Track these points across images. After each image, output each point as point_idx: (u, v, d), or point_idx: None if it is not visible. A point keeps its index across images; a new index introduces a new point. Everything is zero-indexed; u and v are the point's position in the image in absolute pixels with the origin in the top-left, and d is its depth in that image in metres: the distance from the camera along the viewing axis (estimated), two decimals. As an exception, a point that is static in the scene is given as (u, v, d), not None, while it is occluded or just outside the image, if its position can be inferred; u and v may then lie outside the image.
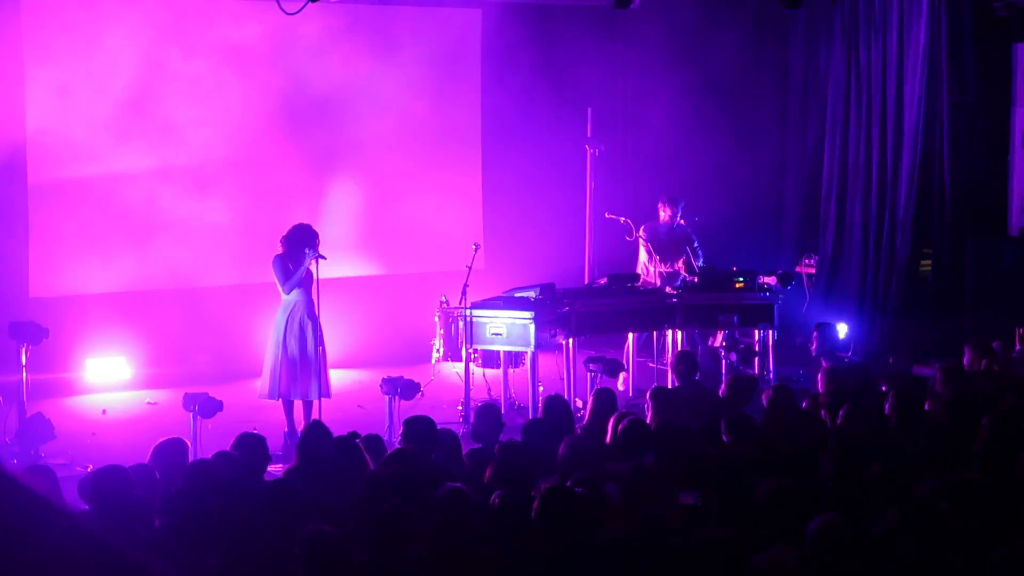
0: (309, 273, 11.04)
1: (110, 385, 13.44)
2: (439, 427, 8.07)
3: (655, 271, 13.49)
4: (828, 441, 7.70)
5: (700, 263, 13.40)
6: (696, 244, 13.57)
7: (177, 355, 13.87)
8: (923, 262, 15.19)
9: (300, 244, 11.03)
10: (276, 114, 14.37)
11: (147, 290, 13.96)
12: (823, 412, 9.11)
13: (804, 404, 9.25)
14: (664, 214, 13.60)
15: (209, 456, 7.86)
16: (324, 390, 11.08)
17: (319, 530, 5.75)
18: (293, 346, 11.00)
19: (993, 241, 14.38)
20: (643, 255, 13.65)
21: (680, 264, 13.32)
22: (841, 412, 8.49)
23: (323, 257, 11.02)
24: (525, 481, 6.85)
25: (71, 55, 13.40)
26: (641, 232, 13.66)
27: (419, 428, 7.93)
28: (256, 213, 14.27)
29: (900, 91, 14.79)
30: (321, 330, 11.15)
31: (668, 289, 13.11)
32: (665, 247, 13.51)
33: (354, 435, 7.91)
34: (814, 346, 11.74)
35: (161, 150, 13.88)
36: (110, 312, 13.61)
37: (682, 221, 13.65)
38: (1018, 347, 11.08)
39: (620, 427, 8.05)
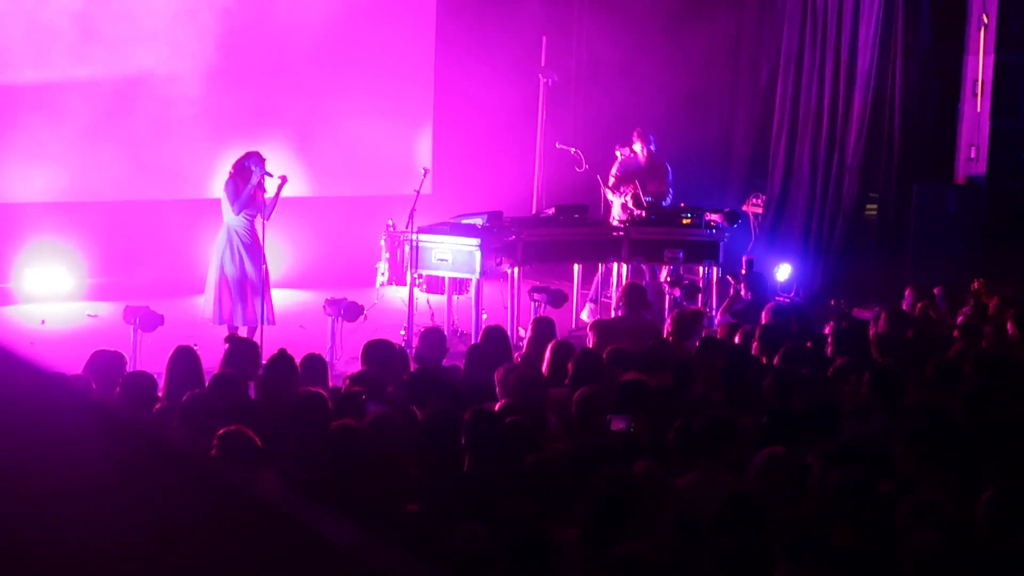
0: (255, 195, 10.93)
1: (50, 296, 13.33)
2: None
3: (616, 201, 13.44)
4: (765, 378, 7.75)
5: (670, 195, 13.44)
6: (669, 171, 13.59)
7: (119, 268, 13.76)
8: (869, 206, 15.28)
9: (246, 163, 10.94)
10: (222, 27, 14.19)
11: (90, 201, 13.81)
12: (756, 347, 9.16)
13: (738, 340, 9.27)
14: (638, 147, 13.55)
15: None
16: (268, 316, 11.00)
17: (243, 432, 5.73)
18: (238, 270, 10.92)
19: (939, 187, 14.48)
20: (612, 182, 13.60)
21: (629, 197, 13.31)
22: (780, 351, 8.56)
23: (269, 174, 10.92)
24: (459, 405, 6.86)
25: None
26: (618, 159, 13.60)
27: (376, 351, 7.96)
28: (202, 129, 14.13)
29: (855, 32, 14.79)
30: (263, 253, 11.05)
31: (615, 222, 13.12)
32: (639, 176, 13.44)
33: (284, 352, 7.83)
34: (742, 288, 11.82)
35: (105, 59, 13.69)
36: (51, 221, 13.46)
37: (653, 148, 13.60)
38: (971, 301, 11.13)
39: (555, 355, 8.10)
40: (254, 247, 10.97)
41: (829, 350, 9.02)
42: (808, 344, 9.19)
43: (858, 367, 8.18)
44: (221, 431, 5.73)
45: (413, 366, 8.54)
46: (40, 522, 1.71)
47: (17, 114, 13.34)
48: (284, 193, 11.10)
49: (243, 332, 11.07)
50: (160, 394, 7.35)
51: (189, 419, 6.44)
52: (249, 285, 10.94)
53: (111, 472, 1.79)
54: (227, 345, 9.40)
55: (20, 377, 2.00)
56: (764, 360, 8.61)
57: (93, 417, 1.98)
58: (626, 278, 12.80)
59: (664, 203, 13.40)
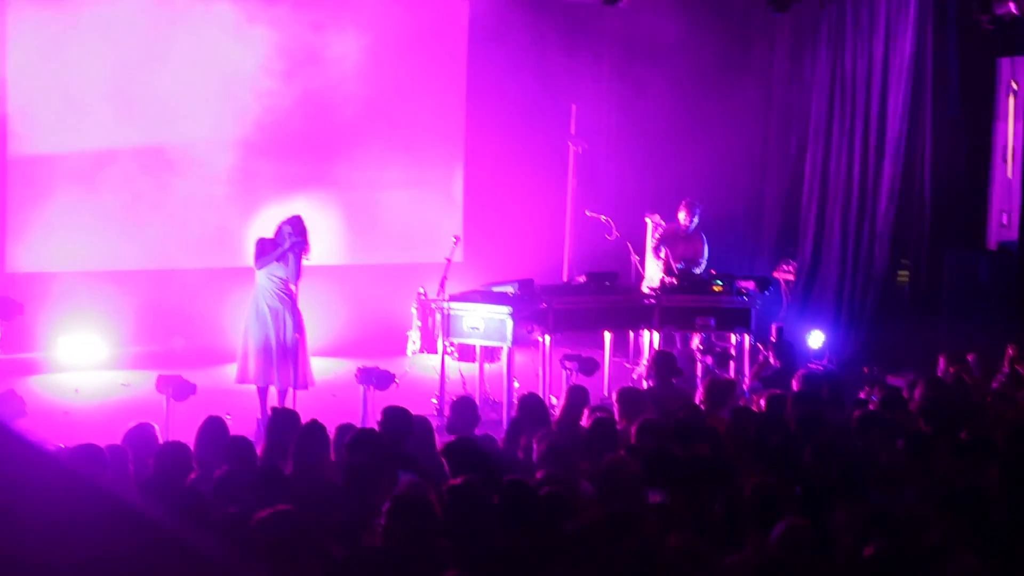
0: (286, 258, 11.01)
1: (83, 365, 13.39)
2: (414, 415, 8.08)
3: (652, 266, 13.52)
4: (797, 447, 7.70)
5: (703, 264, 13.46)
6: (705, 243, 13.63)
7: (152, 336, 13.83)
8: (900, 272, 15.23)
9: (283, 228, 11.05)
10: (257, 99, 14.31)
11: (124, 270, 13.91)
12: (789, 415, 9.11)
13: (769, 407, 9.21)
14: (683, 216, 13.60)
15: (180, 439, 7.85)
16: (300, 381, 11.04)
17: (282, 512, 5.71)
18: (262, 331, 10.98)
19: (970, 253, 14.44)
20: (649, 244, 13.69)
21: (661, 265, 13.34)
22: (808, 417, 8.51)
23: (300, 243, 10.99)
24: (492, 475, 6.84)
25: (54, 29, 13.33)
26: (660, 224, 13.69)
27: (395, 417, 7.94)
28: (234, 197, 14.25)
29: (884, 101, 14.81)
30: (300, 318, 11.13)
31: (647, 289, 13.13)
32: (679, 245, 13.50)
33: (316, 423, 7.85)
34: (771, 355, 11.74)
35: (141, 130, 13.82)
36: (86, 291, 13.55)
37: (696, 220, 13.68)
38: (1006, 368, 11.07)
39: (590, 424, 8.08)
40: (284, 310, 11.02)
41: (863, 416, 8.97)
42: (842, 411, 9.15)
43: (892, 434, 8.13)
44: (263, 514, 5.68)
45: (440, 435, 8.52)
46: None
47: (53, 184, 13.46)
48: (316, 261, 11.16)
49: (273, 394, 11.11)
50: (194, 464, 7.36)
51: (223, 494, 6.46)
52: (278, 347, 10.98)
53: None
54: (263, 415, 9.49)
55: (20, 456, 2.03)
56: (795, 428, 8.56)
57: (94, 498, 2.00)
58: (658, 345, 12.78)
59: (697, 270, 13.41)
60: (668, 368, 10.49)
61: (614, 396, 9.75)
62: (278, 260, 11.02)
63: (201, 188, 14.08)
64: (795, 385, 9.91)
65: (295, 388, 10.97)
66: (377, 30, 14.81)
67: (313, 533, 5.72)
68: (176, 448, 7.41)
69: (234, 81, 14.15)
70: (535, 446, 7.45)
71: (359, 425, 9.63)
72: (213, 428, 7.80)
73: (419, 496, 6.17)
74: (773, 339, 12.47)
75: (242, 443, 7.40)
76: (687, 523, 6.33)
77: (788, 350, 11.97)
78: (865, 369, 13.83)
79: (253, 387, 11.18)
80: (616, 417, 9.27)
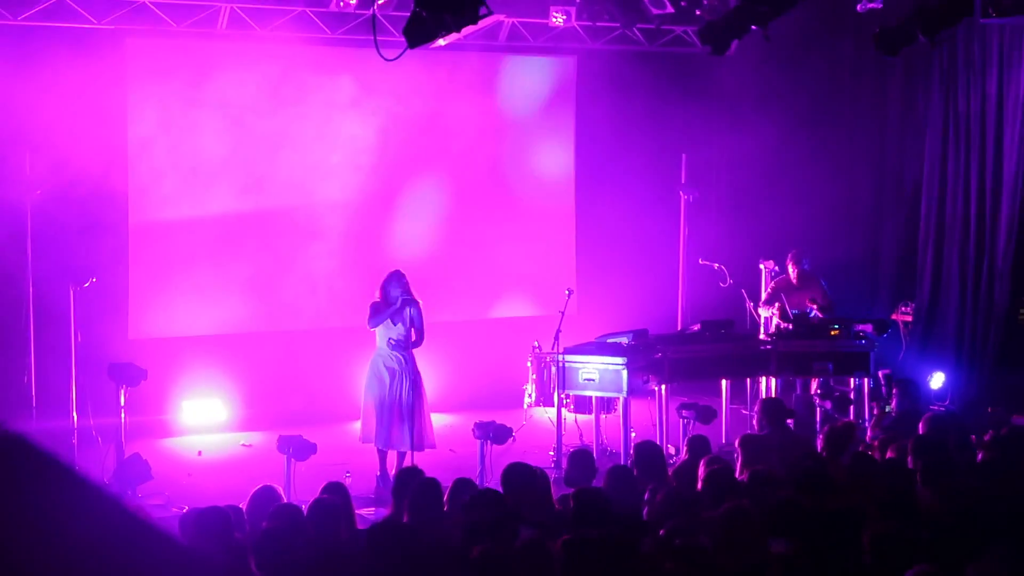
0: (403, 318, 11.11)
1: (206, 427, 13.61)
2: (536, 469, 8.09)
3: (768, 315, 13.46)
4: (924, 492, 7.57)
5: (826, 303, 13.36)
6: (824, 285, 13.53)
7: (272, 397, 14.01)
8: (1022, 310, 14.94)
9: (388, 287, 11.15)
10: (373, 159, 14.53)
11: (243, 332, 14.15)
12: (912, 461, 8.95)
13: (891, 453, 9.07)
14: (791, 269, 13.53)
15: (301, 500, 7.91)
16: (418, 442, 11.07)
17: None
18: (381, 393, 11.07)
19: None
20: (764, 297, 13.63)
21: (776, 310, 13.24)
22: (936, 462, 8.35)
23: (411, 300, 11.10)
24: (604, 527, 6.78)
25: (173, 98, 13.67)
26: (774, 269, 13.65)
27: (518, 474, 7.93)
28: (351, 256, 14.44)
29: (1000, 137, 14.60)
30: (419, 378, 11.19)
31: (762, 336, 13.03)
32: (795, 293, 13.43)
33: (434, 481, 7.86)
34: (894, 403, 11.53)
35: (258, 194, 14.10)
36: (206, 354, 13.80)
37: (806, 267, 13.60)
38: None
39: (706, 474, 7.99)
40: (402, 372, 11.10)
41: (990, 458, 8.78)
42: (967, 454, 8.97)
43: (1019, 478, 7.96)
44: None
45: (557, 487, 8.50)
46: None
47: (173, 253, 13.75)
48: (431, 318, 11.25)
49: (392, 456, 11.18)
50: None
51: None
52: (397, 409, 11.05)
53: None
54: (381, 473, 9.57)
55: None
56: (921, 474, 8.40)
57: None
58: (775, 392, 12.66)
59: (826, 313, 13.28)
60: (778, 412, 10.35)
61: (736, 443, 9.66)
62: (393, 321, 11.11)
63: (316, 249, 14.29)
64: (921, 428, 9.72)
65: (413, 451, 11.01)
66: (489, 90, 14.99)
67: None
68: (290, 510, 7.46)
69: (353, 147, 14.39)
70: (651, 496, 7.40)
71: (477, 480, 9.66)
72: (263, 496, 7.80)
73: (539, 547, 6.16)
74: (884, 385, 12.24)
75: (292, 510, 7.36)
76: (811, 572, 6.24)
77: (913, 391, 11.74)
78: (989, 409, 13.56)
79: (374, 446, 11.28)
80: (738, 464, 9.19)
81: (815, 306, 13.18)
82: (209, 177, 13.83)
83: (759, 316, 13.80)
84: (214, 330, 13.98)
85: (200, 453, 12.67)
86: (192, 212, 13.85)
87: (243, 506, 7.64)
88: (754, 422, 11.23)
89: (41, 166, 12.58)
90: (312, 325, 14.45)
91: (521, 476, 7.89)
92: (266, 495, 7.80)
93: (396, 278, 11.20)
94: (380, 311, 11.12)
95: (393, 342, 11.09)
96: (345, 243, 14.50)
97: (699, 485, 8.01)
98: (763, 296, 13.65)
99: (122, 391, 11.17)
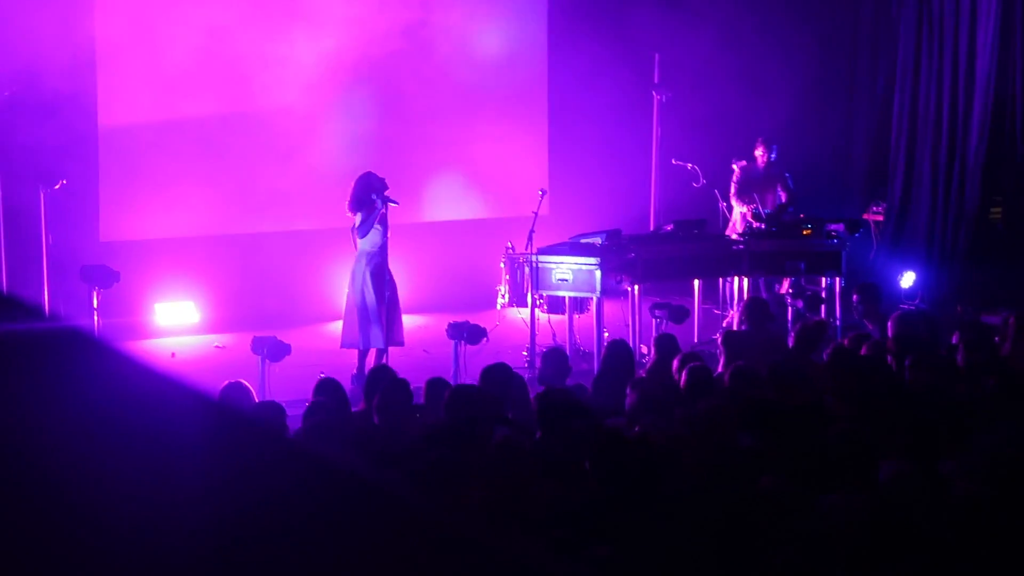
0: (383, 219, 11.12)
1: (179, 328, 13.59)
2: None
3: (737, 212, 13.49)
4: (897, 389, 7.64)
5: (789, 198, 13.40)
6: (789, 179, 13.56)
7: (245, 299, 13.98)
8: (993, 209, 15.02)
9: (367, 193, 11.11)
10: (343, 62, 14.40)
11: (216, 234, 14.08)
12: (889, 359, 9.03)
13: (864, 350, 9.13)
14: (759, 153, 13.57)
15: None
16: (397, 337, 11.19)
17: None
18: (363, 294, 11.12)
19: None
20: (733, 190, 13.65)
21: (749, 209, 13.26)
22: (908, 361, 8.43)
23: (394, 202, 11.13)
24: (568, 425, 6.82)
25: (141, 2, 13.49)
26: (736, 170, 13.63)
27: (496, 374, 7.98)
28: (324, 160, 14.35)
29: (973, 36, 14.57)
30: (392, 277, 11.26)
31: (734, 235, 13.07)
32: (758, 184, 13.47)
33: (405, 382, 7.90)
34: (857, 310, 11.54)
35: (232, 96, 13.98)
36: (179, 256, 13.74)
37: (774, 157, 13.62)
38: None
39: (683, 372, 8.06)
40: (382, 272, 11.14)
41: (959, 358, 8.87)
42: (939, 352, 9.05)
43: (987, 374, 8.04)
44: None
45: (532, 387, 8.56)
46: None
47: (145, 153, 13.63)
48: (403, 219, 11.26)
49: (371, 356, 11.24)
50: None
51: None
52: (379, 309, 11.10)
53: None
54: (358, 372, 9.64)
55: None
56: (895, 370, 8.49)
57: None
58: (747, 291, 12.73)
59: (789, 211, 13.34)
60: (762, 314, 10.43)
61: (719, 340, 9.74)
62: (375, 222, 11.11)
63: (289, 149, 14.20)
64: (890, 327, 9.80)
65: (388, 345, 11.08)
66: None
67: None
68: (271, 407, 7.51)
69: (324, 45, 14.23)
70: (628, 394, 7.47)
71: (451, 380, 9.72)
72: (232, 393, 7.83)
73: (516, 447, 6.22)
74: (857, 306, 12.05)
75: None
76: (780, 466, 6.32)
77: (874, 293, 11.70)
78: (959, 308, 13.68)
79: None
80: (722, 360, 9.28)
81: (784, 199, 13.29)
82: (182, 76, 13.66)
83: (731, 214, 13.81)
84: (187, 232, 13.91)
85: (173, 355, 12.67)
86: (164, 113, 13.71)
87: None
88: (734, 320, 11.29)
89: (6, 67, 12.42)
90: (285, 227, 14.38)
91: (500, 376, 7.94)
92: (236, 392, 7.83)
93: (372, 179, 11.17)
94: (367, 217, 11.09)
95: (381, 242, 11.11)
96: (317, 144, 14.39)
97: (681, 383, 8.06)
98: (732, 189, 13.64)
99: (95, 293, 11.15)
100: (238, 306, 13.87)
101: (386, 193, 11.13)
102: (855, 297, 11.60)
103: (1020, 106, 14.32)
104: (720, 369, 9.15)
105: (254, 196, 14.14)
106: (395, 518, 1.88)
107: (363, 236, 11.13)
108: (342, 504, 1.87)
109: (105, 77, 13.43)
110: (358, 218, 11.14)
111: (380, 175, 11.24)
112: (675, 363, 8.34)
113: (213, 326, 13.70)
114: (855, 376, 8.03)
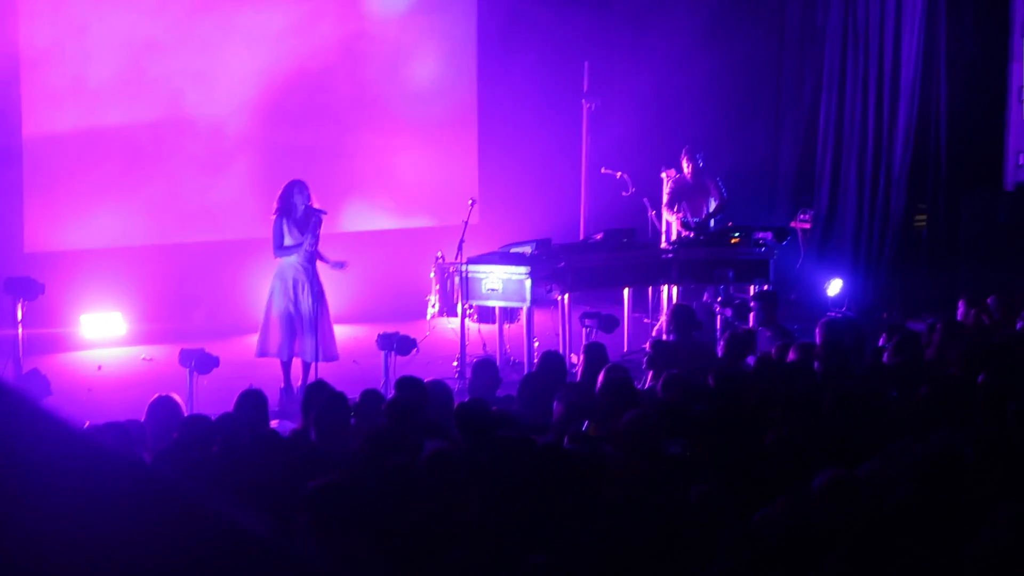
0: (310, 229, 11.01)
1: (106, 341, 13.43)
2: (433, 380, 8.11)
3: (666, 220, 13.58)
4: (823, 394, 7.70)
5: (720, 204, 13.55)
6: (720, 184, 13.67)
7: (173, 311, 13.85)
8: (918, 217, 15.21)
9: (290, 199, 11.04)
10: (271, 70, 14.31)
11: (142, 245, 13.93)
12: (816, 364, 9.10)
13: (792, 356, 9.20)
14: (685, 165, 13.66)
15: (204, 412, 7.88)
16: (330, 352, 11.10)
17: (330, 482, 5.70)
18: (286, 304, 11.02)
19: (988, 196, 14.39)
20: (665, 200, 13.74)
21: (678, 218, 13.35)
22: (837, 367, 8.51)
23: (323, 212, 11.06)
24: (512, 436, 6.81)
25: (66, 6, 13.33)
26: (665, 179, 13.72)
27: (409, 387, 7.95)
28: (251, 168, 14.26)
29: (897, 47, 14.75)
30: (321, 288, 11.16)
31: (663, 244, 13.14)
32: (689, 193, 13.57)
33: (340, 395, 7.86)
34: (756, 318, 11.59)
35: (158, 106, 13.83)
36: (105, 267, 13.58)
37: (701, 164, 13.72)
38: None
39: (604, 384, 8.07)
40: (306, 282, 11.05)
41: (886, 358, 8.97)
42: (863, 359, 9.14)
43: (915, 379, 8.12)
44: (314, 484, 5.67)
45: (461, 398, 8.54)
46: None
47: (69, 164, 13.48)
48: (332, 229, 11.19)
49: (297, 368, 11.16)
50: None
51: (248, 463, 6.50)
52: (301, 320, 11.01)
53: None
54: (286, 386, 9.55)
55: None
56: (821, 377, 8.56)
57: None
58: (676, 300, 12.78)
59: (718, 217, 13.46)
60: (688, 322, 10.49)
61: (647, 348, 9.77)
62: (302, 233, 11.02)
63: (217, 160, 14.09)
64: (817, 334, 9.89)
65: (317, 361, 11.00)
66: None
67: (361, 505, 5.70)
68: (200, 421, 7.44)
69: (253, 56, 14.15)
70: (555, 406, 7.46)
71: (382, 391, 9.67)
72: (162, 407, 7.77)
73: (448, 458, 6.19)
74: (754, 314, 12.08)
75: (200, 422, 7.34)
76: (709, 475, 6.34)
77: (771, 303, 11.60)
78: (884, 315, 13.83)
79: (274, 359, 11.23)
80: (650, 373, 9.30)
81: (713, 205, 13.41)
82: (106, 85, 13.52)
83: (660, 224, 13.89)
84: (113, 243, 13.75)
85: (100, 368, 12.54)
86: (90, 123, 13.55)
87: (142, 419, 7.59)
88: (661, 328, 11.32)
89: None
90: (212, 237, 14.27)
91: (413, 390, 7.90)
92: (165, 406, 7.76)
93: (299, 187, 11.10)
94: (282, 236, 10.99)
95: (307, 253, 11.03)
96: (245, 154, 14.30)
97: (601, 392, 8.07)
98: (664, 199, 13.75)
99: (19, 305, 11.01)
100: (166, 318, 13.74)
101: (315, 205, 11.05)
102: (752, 304, 11.72)
103: (945, 115, 14.51)
104: (649, 378, 9.18)
105: (181, 207, 14.02)
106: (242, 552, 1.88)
107: (277, 255, 11.02)
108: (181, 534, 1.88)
109: (29, 87, 13.26)
110: (285, 227, 11.04)
111: (301, 181, 11.17)
112: (602, 374, 8.35)
113: (140, 338, 13.55)
114: (782, 383, 8.09)
